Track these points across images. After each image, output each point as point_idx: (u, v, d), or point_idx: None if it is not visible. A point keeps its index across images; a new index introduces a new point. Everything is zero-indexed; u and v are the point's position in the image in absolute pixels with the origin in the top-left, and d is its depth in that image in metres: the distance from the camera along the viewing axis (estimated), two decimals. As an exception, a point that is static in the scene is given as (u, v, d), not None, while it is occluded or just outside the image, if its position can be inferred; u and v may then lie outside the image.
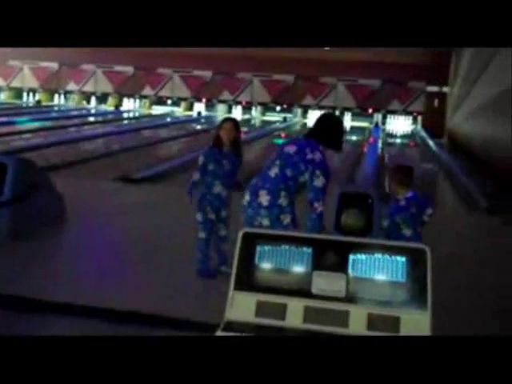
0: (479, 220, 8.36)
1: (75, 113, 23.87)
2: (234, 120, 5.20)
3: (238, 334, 2.61)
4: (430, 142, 19.76)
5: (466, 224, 8.08)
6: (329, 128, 4.09)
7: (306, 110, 25.41)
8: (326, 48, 22.36)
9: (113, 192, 8.93)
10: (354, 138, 21.50)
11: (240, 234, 2.91)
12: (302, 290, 2.80)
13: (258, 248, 2.88)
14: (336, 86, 24.57)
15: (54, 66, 26.81)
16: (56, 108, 25.57)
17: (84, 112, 24.68)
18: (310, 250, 2.84)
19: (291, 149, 3.99)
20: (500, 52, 12.39)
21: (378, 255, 2.76)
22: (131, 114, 25.60)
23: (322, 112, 5.12)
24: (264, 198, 3.93)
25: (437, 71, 23.10)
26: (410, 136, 23.02)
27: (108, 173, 11.56)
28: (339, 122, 4.28)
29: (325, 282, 2.78)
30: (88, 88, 26.86)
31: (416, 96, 24.19)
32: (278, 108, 25.66)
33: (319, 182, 3.88)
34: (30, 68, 27.14)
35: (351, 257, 2.78)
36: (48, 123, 19.25)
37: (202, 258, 5.00)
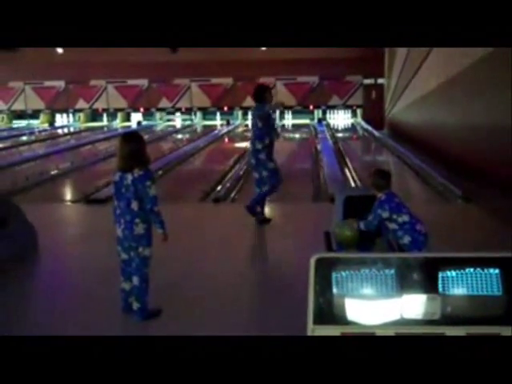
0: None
1: (5, 134, 22.64)
2: (124, 135, 4.48)
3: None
4: (377, 134, 19.97)
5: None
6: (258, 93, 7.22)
7: (245, 112, 25.16)
8: (263, 48, 22.22)
9: (80, 216, 8.41)
10: (297, 135, 21.49)
11: (312, 261, 2.63)
12: (390, 317, 2.56)
13: (334, 274, 2.62)
14: (275, 86, 24.49)
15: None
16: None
17: (16, 132, 23.43)
18: (392, 272, 2.60)
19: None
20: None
21: (470, 269, 2.55)
22: (66, 130, 24.64)
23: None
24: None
25: (372, 64, 23.41)
26: (351, 129, 23.25)
27: (66, 194, 10.98)
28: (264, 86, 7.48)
29: (415, 305, 2.55)
30: (18, 106, 25.60)
31: (354, 90, 24.45)
32: (219, 113, 25.37)
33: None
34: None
35: (440, 274, 2.56)
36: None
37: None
